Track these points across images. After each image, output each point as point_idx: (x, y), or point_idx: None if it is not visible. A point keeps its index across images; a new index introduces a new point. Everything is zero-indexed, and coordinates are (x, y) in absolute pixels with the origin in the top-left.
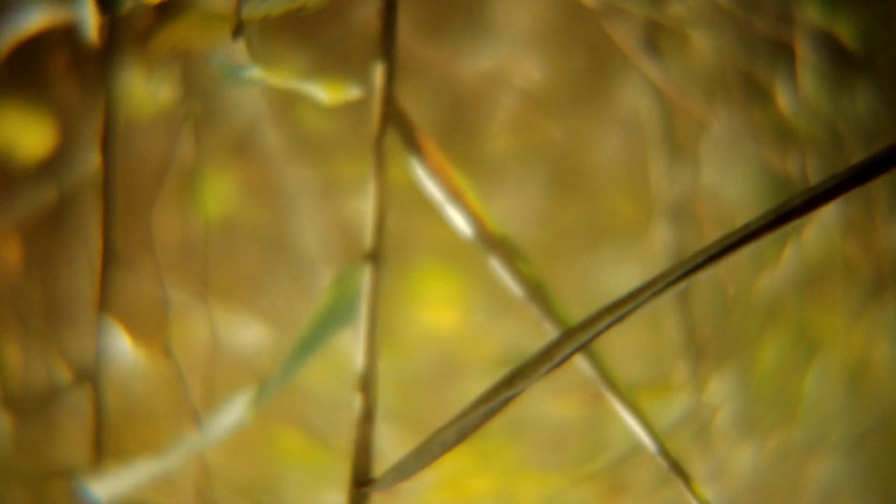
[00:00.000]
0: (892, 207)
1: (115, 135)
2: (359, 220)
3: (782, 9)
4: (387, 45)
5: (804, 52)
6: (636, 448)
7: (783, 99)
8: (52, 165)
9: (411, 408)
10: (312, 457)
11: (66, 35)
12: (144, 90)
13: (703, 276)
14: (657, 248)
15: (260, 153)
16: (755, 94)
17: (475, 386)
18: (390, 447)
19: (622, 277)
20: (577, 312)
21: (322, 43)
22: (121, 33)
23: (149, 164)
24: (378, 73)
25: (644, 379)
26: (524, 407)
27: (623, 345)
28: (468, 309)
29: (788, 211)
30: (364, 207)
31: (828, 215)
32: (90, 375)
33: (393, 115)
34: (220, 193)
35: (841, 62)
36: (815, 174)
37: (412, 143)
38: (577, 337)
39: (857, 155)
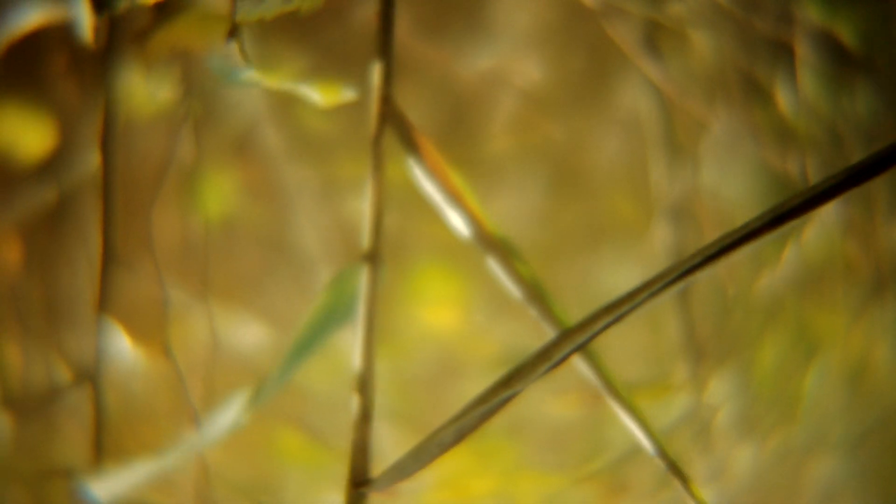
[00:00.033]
0: (892, 207)
1: (115, 135)
2: (359, 220)
3: (782, 9)
4: (384, 44)
5: (804, 52)
6: (636, 448)
7: (783, 99)
8: (51, 165)
9: (411, 408)
10: (311, 456)
11: (66, 35)
12: (144, 90)
13: (703, 276)
14: (657, 248)
15: (260, 153)
16: (755, 94)
17: (475, 386)
18: (390, 447)
19: (622, 277)
20: (577, 312)
21: (321, 43)
22: (120, 33)
23: (149, 164)
24: (375, 72)
25: (644, 379)
26: (524, 407)
27: (623, 345)
28: (467, 309)
29: (788, 211)
30: (364, 207)
31: (828, 215)
32: (90, 375)
33: (391, 115)
34: (219, 193)
35: (841, 62)
36: (815, 174)
37: (410, 143)
38: (576, 337)
39: (857, 155)
